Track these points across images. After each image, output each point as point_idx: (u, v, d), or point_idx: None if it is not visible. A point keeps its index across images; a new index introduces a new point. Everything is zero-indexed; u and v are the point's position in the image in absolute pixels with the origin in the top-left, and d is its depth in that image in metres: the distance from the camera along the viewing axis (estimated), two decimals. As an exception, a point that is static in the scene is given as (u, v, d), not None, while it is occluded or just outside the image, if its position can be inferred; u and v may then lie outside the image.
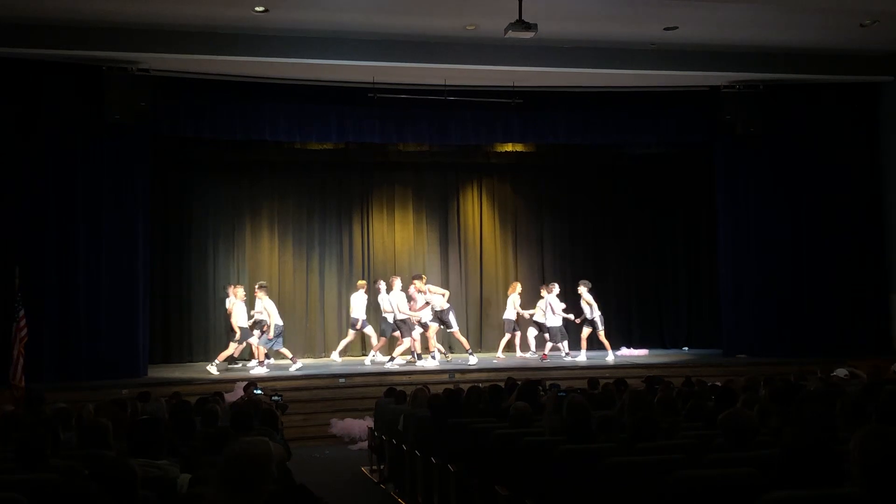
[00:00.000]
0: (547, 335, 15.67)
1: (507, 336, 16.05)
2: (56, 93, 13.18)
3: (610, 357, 15.28)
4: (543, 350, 15.63)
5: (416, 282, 15.05)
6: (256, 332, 14.47)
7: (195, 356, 15.85)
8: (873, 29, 13.34)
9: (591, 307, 15.38)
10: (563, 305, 15.66)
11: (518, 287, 16.35)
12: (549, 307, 15.61)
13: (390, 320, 15.00)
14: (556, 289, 15.74)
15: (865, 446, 3.29)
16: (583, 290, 15.47)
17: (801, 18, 12.89)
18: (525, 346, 16.36)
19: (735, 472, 4.51)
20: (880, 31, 13.42)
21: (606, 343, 15.45)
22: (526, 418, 7.07)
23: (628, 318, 17.82)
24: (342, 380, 13.64)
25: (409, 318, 14.78)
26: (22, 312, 11.87)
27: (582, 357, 15.18)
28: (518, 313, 16.12)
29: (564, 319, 15.60)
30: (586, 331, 15.47)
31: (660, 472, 4.65)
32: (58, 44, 12.58)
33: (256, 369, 14.05)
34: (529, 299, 16.40)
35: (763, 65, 14.56)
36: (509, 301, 16.23)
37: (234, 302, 14.43)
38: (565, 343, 15.52)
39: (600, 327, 15.40)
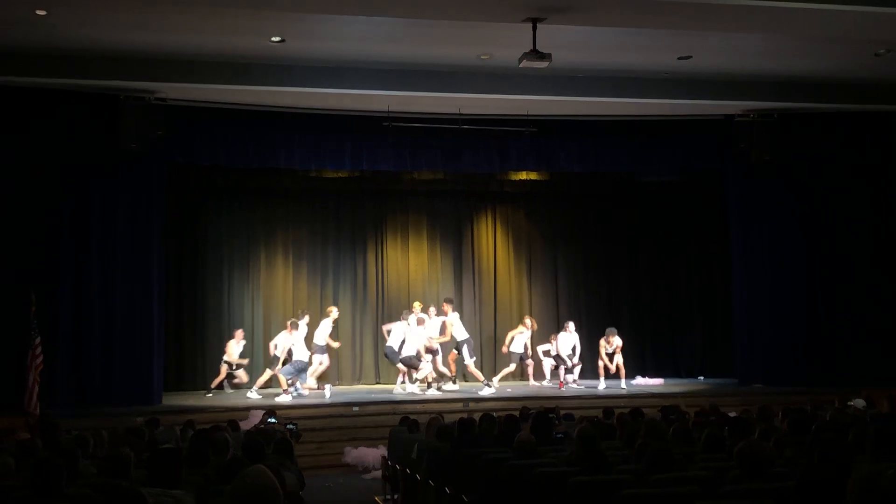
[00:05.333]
0: (556, 362, 15.78)
1: (512, 367, 15.97)
2: (72, 121, 13.30)
3: (623, 385, 15.22)
4: (559, 378, 15.61)
5: (445, 305, 15.25)
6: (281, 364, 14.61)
7: (210, 384, 15.79)
8: (888, 58, 13.32)
9: (618, 353, 15.43)
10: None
11: (531, 323, 16.17)
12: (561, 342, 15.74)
13: (395, 348, 14.82)
14: (572, 327, 15.88)
15: (860, 484, 3.29)
16: (614, 339, 15.50)
17: (816, 47, 12.89)
18: (540, 375, 16.31)
19: (751, 504, 4.48)
20: (894, 60, 13.41)
21: (622, 372, 15.41)
22: (531, 449, 7.02)
23: (642, 347, 17.68)
24: (356, 408, 13.62)
25: (417, 352, 14.70)
26: (38, 339, 11.92)
27: (601, 385, 15.23)
28: (526, 345, 16.05)
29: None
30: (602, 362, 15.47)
31: (675, 504, 4.62)
32: (76, 73, 12.71)
33: (281, 397, 14.06)
34: (543, 332, 16.47)
35: (777, 94, 14.55)
36: (518, 334, 16.11)
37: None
38: (577, 369, 15.56)
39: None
